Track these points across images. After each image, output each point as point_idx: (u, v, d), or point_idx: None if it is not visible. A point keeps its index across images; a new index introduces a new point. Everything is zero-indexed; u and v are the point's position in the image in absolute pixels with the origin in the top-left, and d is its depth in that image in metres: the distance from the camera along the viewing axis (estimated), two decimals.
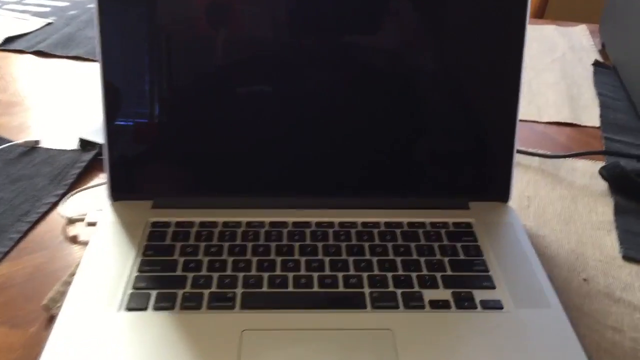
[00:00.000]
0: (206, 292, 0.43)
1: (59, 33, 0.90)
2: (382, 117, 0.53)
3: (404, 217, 0.52)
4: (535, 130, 0.70)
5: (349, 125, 0.53)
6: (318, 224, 0.51)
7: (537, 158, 0.64)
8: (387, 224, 0.51)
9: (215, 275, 0.45)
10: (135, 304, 0.42)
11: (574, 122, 0.72)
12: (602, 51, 0.92)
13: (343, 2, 0.51)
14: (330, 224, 0.51)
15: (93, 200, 0.56)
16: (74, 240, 0.51)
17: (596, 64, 0.86)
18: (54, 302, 0.45)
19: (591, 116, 0.73)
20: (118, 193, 0.52)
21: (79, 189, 0.56)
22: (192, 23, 0.51)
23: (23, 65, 0.83)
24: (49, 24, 0.94)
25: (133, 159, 0.53)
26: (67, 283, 0.46)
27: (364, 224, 0.51)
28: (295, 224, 0.51)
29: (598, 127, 0.71)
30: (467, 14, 0.52)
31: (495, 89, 0.53)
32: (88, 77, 0.80)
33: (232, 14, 0.51)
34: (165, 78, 0.52)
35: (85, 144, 0.63)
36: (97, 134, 0.63)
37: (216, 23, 0.51)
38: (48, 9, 1.00)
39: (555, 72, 0.84)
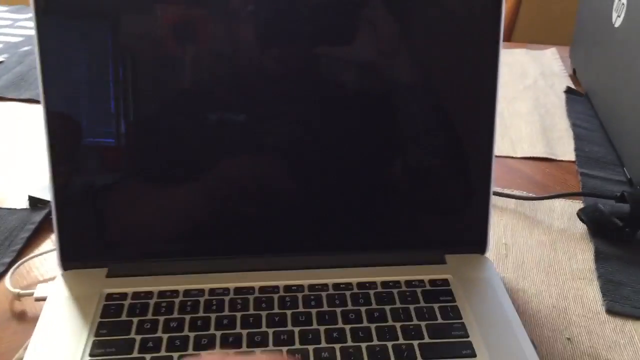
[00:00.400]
0: None
1: (11, 72, 0.86)
2: (351, 165, 0.50)
3: (378, 275, 0.49)
4: (510, 167, 0.68)
5: (316, 175, 0.50)
6: (286, 288, 0.48)
7: (513, 200, 0.61)
8: (359, 285, 0.48)
9: (175, 355, 0.42)
10: None
11: (549, 156, 0.70)
12: (573, 77, 0.91)
13: (318, 16, 0.47)
14: (300, 287, 0.48)
15: (44, 269, 0.52)
16: (22, 317, 0.47)
17: (568, 91, 0.85)
18: None
19: (566, 149, 0.71)
20: (69, 261, 0.48)
21: (27, 257, 0.52)
22: (155, 50, 0.47)
23: None
24: (0, 62, 0.89)
25: (84, 221, 0.49)
26: None
27: (336, 286, 0.48)
28: (262, 289, 0.48)
29: (574, 161, 0.69)
30: (436, 47, 0.49)
31: (469, 129, 0.50)
32: (40, 122, 0.75)
33: (197, 33, 0.47)
34: (121, 120, 0.48)
35: (35, 202, 0.59)
36: (47, 191, 0.58)
37: (182, 42, 0.47)
38: (0, 46, 0.95)
39: (528, 101, 0.82)
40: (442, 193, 0.52)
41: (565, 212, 0.60)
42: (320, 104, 0.49)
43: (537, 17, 1.53)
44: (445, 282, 0.49)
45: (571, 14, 0.93)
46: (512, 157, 0.69)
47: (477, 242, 0.51)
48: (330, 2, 0.47)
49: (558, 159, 0.70)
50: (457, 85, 0.50)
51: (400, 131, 0.51)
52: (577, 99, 0.83)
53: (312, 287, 0.48)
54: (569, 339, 0.46)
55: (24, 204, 0.59)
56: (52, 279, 0.50)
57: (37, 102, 0.78)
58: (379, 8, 0.48)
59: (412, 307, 0.46)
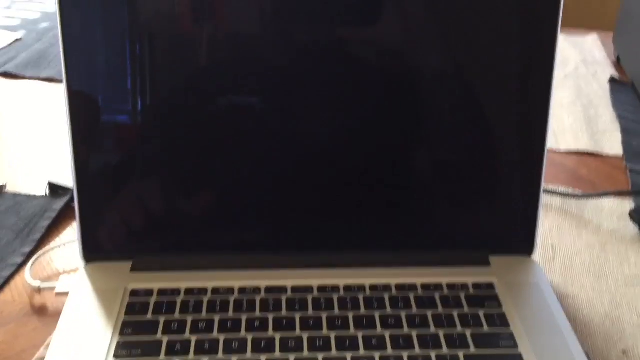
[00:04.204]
0: None
1: (29, 50, 0.83)
2: (388, 156, 0.47)
3: (417, 277, 0.46)
4: (553, 162, 0.64)
5: (350, 165, 0.47)
6: (321, 289, 0.45)
7: (558, 197, 0.58)
8: (398, 287, 0.45)
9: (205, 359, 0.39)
10: None
11: (595, 151, 0.66)
12: (617, 64, 0.86)
13: None
14: (335, 288, 0.45)
15: (65, 260, 0.49)
16: (42, 312, 0.45)
17: (613, 80, 0.80)
18: None
19: (612, 143, 0.67)
20: (91, 253, 0.46)
21: (48, 248, 0.50)
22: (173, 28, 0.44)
23: None
24: (17, 40, 0.86)
25: (108, 210, 0.46)
26: None
27: (373, 288, 0.45)
28: (294, 289, 0.45)
29: (621, 157, 0.65)
30: (482, 21, 0.45)
31: (519, 118, 0.47)
32: (61, 103, 0.73)
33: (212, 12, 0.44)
34: (147, 102, 0.45)
35: (55, 189, 0.56)
36: (68, 177, 0.56)
37: (201, 21, 0.44)
38: (17, 22, 0.92)
39: (570, 90, 0.78)
40: (488, 189, 0.48)
41: (614, 211, 0.56)
42: (355, 92, 0.46)
43: (575, 1, 1.47)
44: (491, 286, 0.46)
45: None
46: (555, 151, 0.66)
47: (523, 243, 0.48)
48: None
49: (604, 153, 0.66)
50: (507, 72, 0.46)
51: (444, 122, 0.47)
52: (622, 88, 0.79)
53: (347, 289, 0.45)
54: (624, 351, 0.43)
55: (44, 190, 0.56)
56: (74, 270, 0.48)
57: (59, 81, 0.76)
58: None
59: (455, 313, 0.43)
